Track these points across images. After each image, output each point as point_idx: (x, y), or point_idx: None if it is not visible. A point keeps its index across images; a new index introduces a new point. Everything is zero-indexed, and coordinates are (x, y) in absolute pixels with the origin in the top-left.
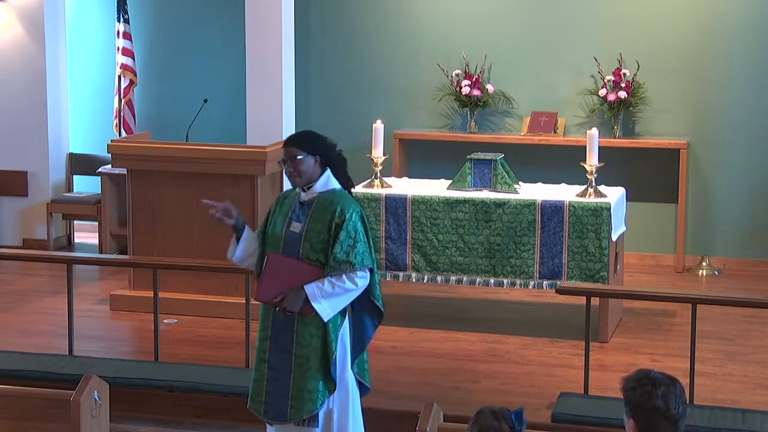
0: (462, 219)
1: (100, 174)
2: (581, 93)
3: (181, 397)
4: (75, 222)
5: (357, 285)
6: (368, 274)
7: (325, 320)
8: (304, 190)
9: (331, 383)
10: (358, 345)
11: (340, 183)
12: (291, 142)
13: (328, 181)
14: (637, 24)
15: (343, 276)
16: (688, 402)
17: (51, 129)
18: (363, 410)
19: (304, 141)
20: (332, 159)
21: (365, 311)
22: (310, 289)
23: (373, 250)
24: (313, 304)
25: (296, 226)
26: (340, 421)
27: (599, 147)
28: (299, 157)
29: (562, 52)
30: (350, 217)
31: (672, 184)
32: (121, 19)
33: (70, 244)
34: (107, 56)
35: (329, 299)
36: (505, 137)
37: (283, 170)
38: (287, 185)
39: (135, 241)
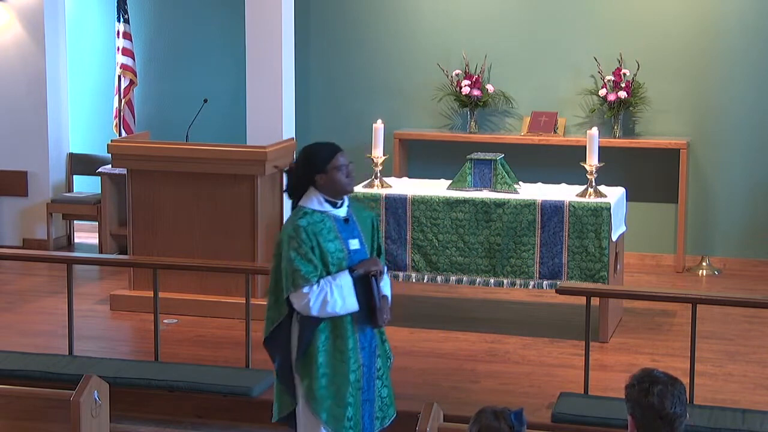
0: (462, 219)
1: (100, 174)
2: (581, 93)
3: (181, 397)
4: (75, 222)
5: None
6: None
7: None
8: (336, 206)
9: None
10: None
11: None
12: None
13: None
14: (637, 24)
15: (388, 271)
16: (688, 402)
17: (51, 129)
18: None
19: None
20: None
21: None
22: (389, 293)
23: None
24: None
25: (354, 243)
26: None
27: (599, 147)
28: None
29: (562, 52)
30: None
31: (672, 184)
32: (121, 19)
33: (70, 244)
34: (107, 56)
35: None
36: (505, 137)
37: (346, 174)
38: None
39: (135, 241)
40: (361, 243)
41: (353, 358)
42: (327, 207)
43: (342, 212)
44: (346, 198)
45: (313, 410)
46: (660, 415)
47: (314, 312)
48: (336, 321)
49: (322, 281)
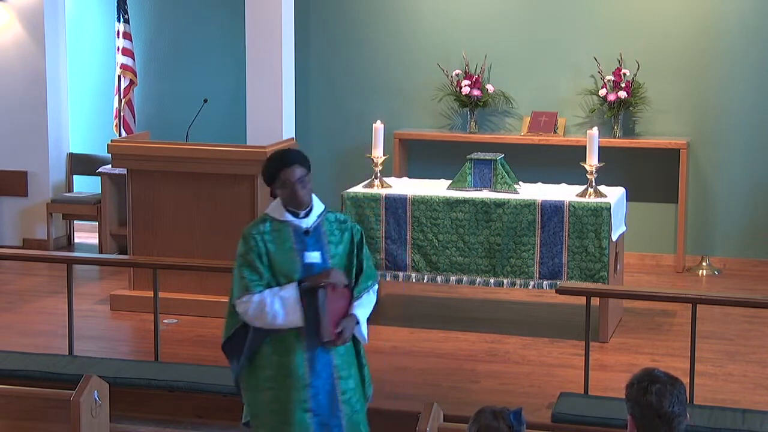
0: (462, 219)
1: (100, 174)
2: (581, 93)
3: (181, 397)
4: (75, 222)
5: (377, 294)
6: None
7: (366, 341)
8: (299, 216)
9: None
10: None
11: None
12: (297, 160)
13: (318, 202)
14: (637, 24)
15: (371, 290)
16: (688, 402)
17: (51, 129)
18: None
19: (305, 159)
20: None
21: None
22: (360, 314)
23: None
24: (363, 328)
25: (313, 256)
26: None
27: (599, 147)
28: (306, 175)
29: (562, 52)
30: (359, 228)
31: (672, 184)
32: (121, 19)
33: (70, 244)
34: (107, 56)
35: (365, 320)
36: (505, 137)
37: (293, 191)
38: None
39: (135, 241)
40: (323, 257)
41: (299, 376)
42: (288, 217)
43: (306, 223)
44: (315, 208)
45: (253, 426)
46: (658, 414)
47: (253, 322)
48: (282, 334)
49: (266, 291)
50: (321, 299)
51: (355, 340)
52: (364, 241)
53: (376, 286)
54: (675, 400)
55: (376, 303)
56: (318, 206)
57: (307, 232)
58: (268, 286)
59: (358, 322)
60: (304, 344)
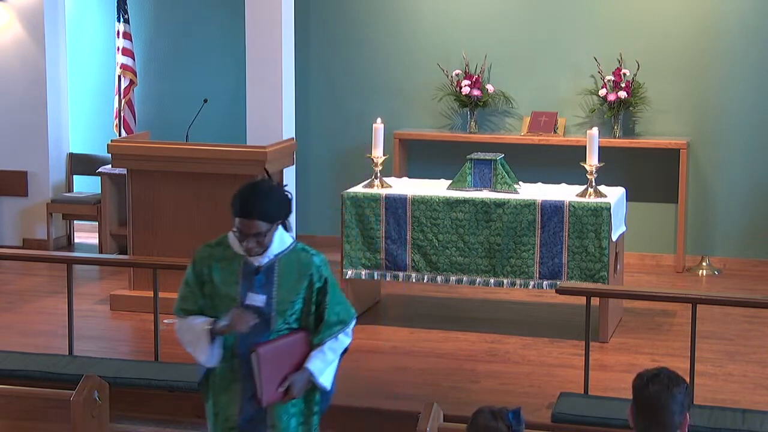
0: (462, 219)
1: (100, 174)
2: (581, 93)
3: (181, 397)
4: (75, 222)
5: (350, 336)
6: (355, 320)
7: (328, 389)
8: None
9: None
10: (326, 402)
11: (283, 224)
12: (262, 215)
13: (282, 238)
14: (637, 24)
15: (340, 336)
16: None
17: (51, 129)
18: (363, 410)
19: (269, 213)
20: (287, 212)
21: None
22: (315, 366)
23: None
24: (318, 382)
25: (257, 299)
26: None
27: (599, 147)
28: (265, 231)
29: (562, 52)
30: (327, 272)
31: (672, 184)
32: (121, 19)
33: (70, 244)
34: (107, 56)
35: (329, 367)
36: (505, 137)
37: (245, 243)
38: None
39: (135, 241)
40: (269, 301)
41: (227, 416)
42: (242, 250)
43: (259, 260)
44: (275, 245)
45: None
46: (656, 408)
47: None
48: (219, 366)
49: (188, 318)
50: (253, 363)
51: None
52: (330, 286)
53: (349, 328)
54: (668, 395)
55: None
56: (280, 243)
57: (257, 270)
58: (202, 312)
59: (311, 375)
60: (240, 385)
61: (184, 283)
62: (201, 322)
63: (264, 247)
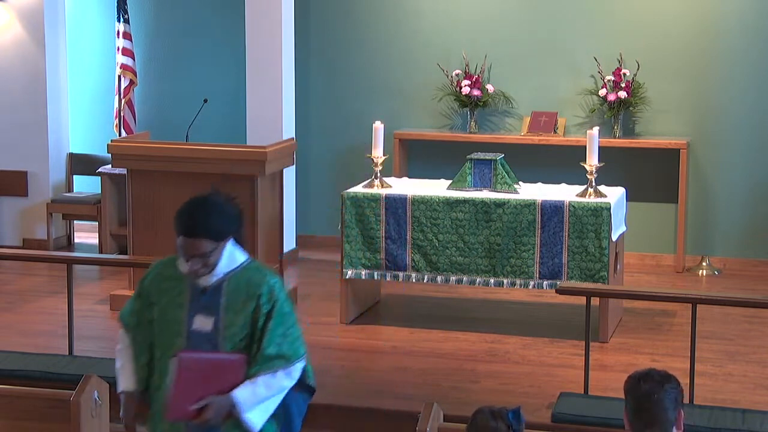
0: (462, 219)
1: (100, 174)
2: (581, 93)
3: None
4: (75, 222)
5: (294, 379)
6: (303, 361)
7: (255, 430)
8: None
9: None
10: None
11: (236, 239)
12: (199, 232)
13: (232, 256)
14: (637, 24)
15: (279, 372)
16: (688, 402)
17: (51, 129)
18: (363, 410)
19: (214, 230)
20: (237, 227)
21: (291, 396)
22: (242, 396)
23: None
24: (244, 417)
25: (204, 322)
26: None
27: (599, 147)
28: (211, 250)
29: (562, 52)
30: (278, 297)
31: (672, 184)
32: (121, 19)
33: (70, 244)
34: (107, 56)
35: (262, 404)
36: (505, 137)
37: (188, 264)
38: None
39: (135, 241)
40: (216, 325)
41: (154, 427)
42: (187, 269)
43: (205, 280)
44: (223, 264)
45: None
46: (645, 408)
47: None
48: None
49: (124, 336)
50: (171, 368)
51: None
52: (279, 313)
53: (293, 368)
54: (665, 391)
55: (304, 390)
56: (230, 261)
57: (204, 290)
58: (138, 325)
59: (235, 405)
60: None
61: (135, 295)
62: (121, 381)
63: (211, 267)
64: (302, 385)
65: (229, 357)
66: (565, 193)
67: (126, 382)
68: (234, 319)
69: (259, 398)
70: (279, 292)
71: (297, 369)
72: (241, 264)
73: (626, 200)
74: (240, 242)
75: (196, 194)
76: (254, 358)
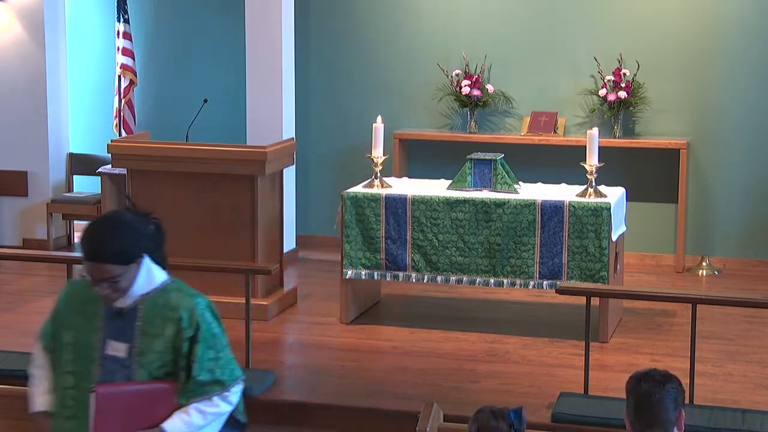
0: (462, 219)
1: (100, 174)
2: (581, 93)
3: None
4: (75, 222)
5: (232, 403)
6: (241, 384)
7: None
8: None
9: None
10: None
11: (156, 258)
12: (102, 256)
13: (150, 276)
14: (637, 24)
15: (214, 399)
16: (688, 402)
17: (51, 129)
18: (363, 410)
19: (120, 253)
20: (155, 245)
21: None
22: (174, 427)
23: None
24: None
25: (118, 348)
26: None
27: (599, 147)
28: (119, 273)
29: (562, 52)
30: (203, 319)
31: (672, 184)
32: (121, 19)
33: (70, 244)
34: (107, 56)
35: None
36: (505, 137)
37: (98, 289)
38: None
39: None
40: (130, 351)
41: None
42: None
43: (122, 302)
44: (140, 284)
45: None
46: (644, 406)
47: None
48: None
49: (39, 358)
50: (89, 404)
51: None
52: (205, 336)
53: (230, 393)
54: (665, 391)
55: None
56: (147, 282)
57: (119, 313)
58: (54, 350)
59: None
60: None
61: (51, 316)
62: (37, 402)
63: (123, 291)
64: (232, 421)
65: (155, 387)
66: (565, 193)
67: (43, 403)
68: (150, 345)
69: (193, 428)
70: (203, 313)
71: (235, 393)
72: (159, 285)
73: (626, 200)
74: (161, 261)
75: (104, 213)
76: (185, 386)
